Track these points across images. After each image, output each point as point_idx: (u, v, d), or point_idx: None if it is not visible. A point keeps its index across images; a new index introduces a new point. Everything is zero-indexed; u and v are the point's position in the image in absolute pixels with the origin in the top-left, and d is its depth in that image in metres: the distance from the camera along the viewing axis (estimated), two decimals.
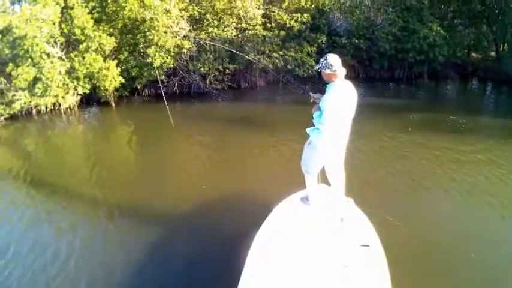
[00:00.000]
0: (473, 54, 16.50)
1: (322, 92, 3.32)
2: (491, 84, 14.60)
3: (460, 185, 5.68)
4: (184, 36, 12.05)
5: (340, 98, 3.14)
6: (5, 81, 13.07)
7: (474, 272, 3.81)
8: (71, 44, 12.85)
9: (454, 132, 8.32)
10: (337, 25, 12.99)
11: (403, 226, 4.33)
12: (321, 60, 3.22)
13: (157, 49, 11.88)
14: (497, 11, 15.51)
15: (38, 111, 12.94)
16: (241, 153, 7.42)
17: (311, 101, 3.47)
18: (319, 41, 12.33)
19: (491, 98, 14.01)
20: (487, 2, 15.26)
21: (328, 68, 3.13)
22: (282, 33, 12.06)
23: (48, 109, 12.86)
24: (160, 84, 11.12)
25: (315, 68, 3.31)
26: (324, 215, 3.58)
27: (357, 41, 12.76)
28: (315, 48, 12.18)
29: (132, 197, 5.59)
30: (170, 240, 4.34)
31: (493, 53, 16.20)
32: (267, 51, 11.90)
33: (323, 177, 3.73)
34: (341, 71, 3.18)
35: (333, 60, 3.16)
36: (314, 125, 3.34)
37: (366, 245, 3.18)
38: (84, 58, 12.29)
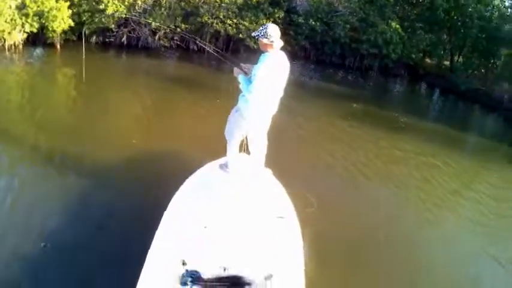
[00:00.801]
0: (428, 60, 17.13)
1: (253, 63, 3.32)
2: (438, 90, 15.10)
3: (386, 177, 6.00)
4: None
5: (272, 69, 3.15)
6: None
7: (383, 254, 4.03)
8: None
9: (393, 129, 8.40)
10: (297, 3, 13.22)
11: (318, 204, 4.39)
12: (261, 28, 3.19)
13: None
14: (459, 23, 16.10)
15: None
16: (179, 113, 7.46)
17: (235, 74, 3.42)
18: (276, 15, 12.52)
19: (437, 103, 14.55)
20: (451, 13, 15.82)
21: (266, 37, 3.11)
22: (240, 1, 12.18)
23: None
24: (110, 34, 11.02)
25: (253, 35, 3.29)
26: (241, 183, 3.56)
27: (313, 22, 13.04)
28: (270, 22, 12.34)
29: (63, 142, 5.50)
30: (92, 190, 4.37)
31: (446, 62, 16.87)
32: (221, 17, 11.99)
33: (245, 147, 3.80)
34: (278, 43, 3.17)
35: (273, 30, 3.13)
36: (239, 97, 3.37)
37: (281, 217, 3.20)
38: None
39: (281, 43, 3.21)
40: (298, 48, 13.05)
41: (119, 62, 11.68)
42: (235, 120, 3.48)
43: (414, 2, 16.91)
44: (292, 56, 13.35)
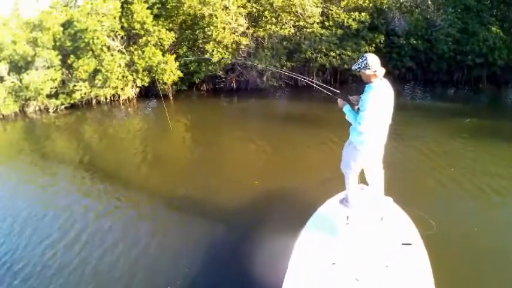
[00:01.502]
0: None
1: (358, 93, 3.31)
2: None
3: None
4: (243, 33, 12.15)
5: (380, 99, 3.11)
6: (67, 72, 13.66)
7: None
8: (131, 38, 13.28)
9: None
10: (395, 24, 12.69)
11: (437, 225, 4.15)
12: (360, 60, 3.14)
13: (216, 45, 12.05)
14: None
15: (98, 102, 13.43)
16: (294, 151, 7.36)
17: (339, 106, 3.39)
18: (377, 40, 12.10)
19: None
20: None
21: (368, 68, 3.07)
22: (340, 31, 11.92)
23: (107, 100, 13.33)
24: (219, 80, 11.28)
25: (354, 68, 3.21)
26: (364, 215, 3.57)
27: (415, 41, 12.44)
28: (372, 48, 11.92)
29: (187, 187, 5.80)
30: (217, 233, 4.51)
31: None
32: (324, 50, 11.81)
33: (362, 178, 3.72)
34: (381, 71, 3.11)
35: (373, 59, 3.09)
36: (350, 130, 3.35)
37: (407, 244, 3.16)
38: (143, 52, 12.65)
39: (383, 70, 3.13)
40: (405, 70, 12.49)
41: (230, 105, 11.90)
42: (349, 153, 3.46)
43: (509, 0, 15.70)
44: (400, 79, 12.68)
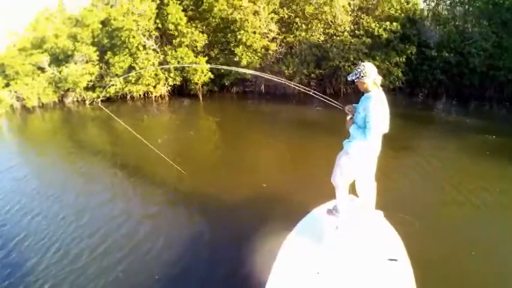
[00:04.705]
0: None
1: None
2: None
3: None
4: (273, 38, 12.38)
5: (382, 107, 3.01)
6: (105, 67, 14.38)
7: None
8: (165, 38, 13.81)
9: None
10: (428, 35, 12.51)
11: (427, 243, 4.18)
12: (357, 69, 3.02)
13: (245, 49, 12.35)
14: None
15: (132, 97, 14.10)
16: (313, 158, 7.41)
17: (348, 118, 3.27)
18: (409, 51, 11.97)
19: None
20: None
21: (366, 76, 2.95)
22: (369, 41, 11.91)
23: (141, 96, 13.98)
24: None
25: (351, 78, 3.06)
26: (352, 227, 3.49)
27: (447, 54, 12.23)
28: (403, 59, 11.88)
29: (202, 183, 6.22)
30: (212, 228, 4.79)
31: None
32: (352, 58, 11.85)
33: (352, 189, 3.66)
34: (379, 80, 3.02)
35: (370, 67, 3.00)
36: (351, 137, 3.22)
37: (393, 259, 3.12)
38: (176, 52, 13.14)
39: (381, 78, 3.04)
40: (436, 83, 12.31)
41: (258, 109, 12.16)
42: (344, 164, 3.32)
43: None
44: (432, 93, 12.49)
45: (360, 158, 3.20)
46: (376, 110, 2.94)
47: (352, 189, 3.56)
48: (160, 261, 4.19)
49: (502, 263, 4.07)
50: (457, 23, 13.14)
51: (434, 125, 10.23)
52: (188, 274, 3.96)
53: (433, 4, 14.05)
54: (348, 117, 3.28)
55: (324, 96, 3.69)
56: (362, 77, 2.97)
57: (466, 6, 13.43)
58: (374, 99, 2.97)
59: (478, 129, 9.87)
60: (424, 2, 14.15)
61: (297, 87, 3.95)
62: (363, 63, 3.09)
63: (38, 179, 7.23)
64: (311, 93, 3.93)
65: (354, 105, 3.31)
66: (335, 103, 3.64)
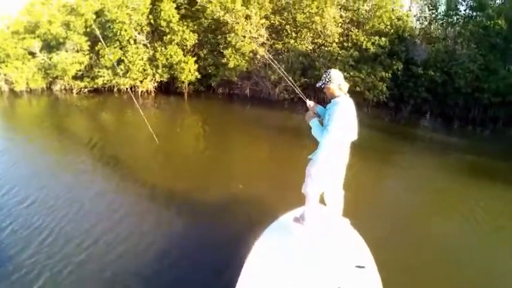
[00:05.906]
0: None
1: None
2: None
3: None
4: (263, 43, 12.45)
5: (347, 114, 3.08)
6: (95, 57, 14.40)
7: None
8: (156, 35, 13.85)
9: None
10: (415, 53, 12.63)
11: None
12: (324, 75, 3.16)
13: (234, 51, 12.41)
14: None
15: (119, 90, 14.15)
16: (290, 163, 7.34)
17: (310, 112, 3.35)
18: (395, 67, 12.06)
19: None
20: None
21: (332, 82, 3.07)
22: (356, 54, 12.00)
23: (127, 90, 14.02)
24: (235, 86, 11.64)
25: (318, 84, 3.18)
26: (319, 235, 3.52)
27: (433, 73, 12.34)
28: (389, 75, 11.97)
29: (179, 178, 6.38)
30: (186, 226, 4.86)
31: None
32: (338, 69, 11.91)
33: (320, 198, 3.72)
34: (345, 86, 3.13)
35: (336, 73, 3.12)
36: (316, 149, 3.31)
37: (361, 267, 3.15)
38: (166, 49, 13.19)
39: (347, 85, 3.14)
40: (420, 101, 12.42)
41: (242, 111, 12.24)
42: (313, 173, 3.37)
43: None
44: (415, 111, 12.50)
45: (326, 164, 3.26)
46: (338, 115, 3.02)
47: (320, 198, 3.63)
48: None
49: (474, 272, 4.19)
50: (447, 43, 13.26)
51: (417, 141, 10.36)
52: (148, 276, 3.96)
53: (426, 23, 14.19)
54: (309, 111, 3.36)
55: (296, 86, 4.00)
56: (327, 81, 3.11)
57: (458, 28, 13.54)
58: (340, 105, 3.07)
59: (460, 148, 10.02)
60: (417, 20, 14.29)
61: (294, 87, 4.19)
62: (329, 69, 3.22)
63: (27, 167, 7.20)
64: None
65: (318, 105, 3.42)
66: (301, 95, 3.81)
